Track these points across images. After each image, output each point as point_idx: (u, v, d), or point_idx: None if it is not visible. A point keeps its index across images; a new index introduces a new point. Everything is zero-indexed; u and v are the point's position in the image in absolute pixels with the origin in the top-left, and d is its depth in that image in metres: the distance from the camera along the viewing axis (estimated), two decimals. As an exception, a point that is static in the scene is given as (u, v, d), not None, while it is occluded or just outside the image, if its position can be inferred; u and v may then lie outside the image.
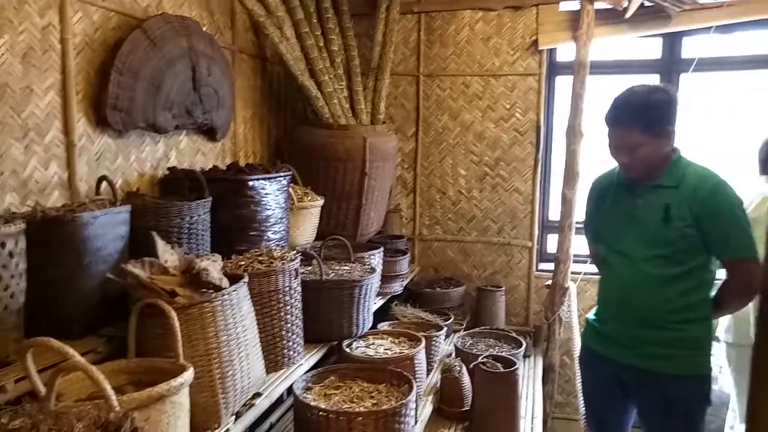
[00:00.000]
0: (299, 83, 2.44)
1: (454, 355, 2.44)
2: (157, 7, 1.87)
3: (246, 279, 1.42)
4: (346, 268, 2.03)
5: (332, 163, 2.53)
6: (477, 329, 2.71)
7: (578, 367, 2.12)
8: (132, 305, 1.25)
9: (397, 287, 2.60)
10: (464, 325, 2.87)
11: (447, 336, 2.66)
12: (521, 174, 3.01)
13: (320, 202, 2.41)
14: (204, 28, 2.08)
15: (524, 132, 2.98)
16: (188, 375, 1.12)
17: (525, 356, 2.71)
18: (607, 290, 1.80)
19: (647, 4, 2.63)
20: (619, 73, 3.06)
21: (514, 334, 2.64)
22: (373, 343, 1.99)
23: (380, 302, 2.44)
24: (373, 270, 2.00)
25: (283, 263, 1.60)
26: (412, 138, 3.13)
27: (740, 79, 2.96)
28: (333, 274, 1.94)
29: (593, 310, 1.88)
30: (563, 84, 3.03)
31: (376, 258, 2.25)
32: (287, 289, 1.59)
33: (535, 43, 2.88)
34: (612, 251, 1.75)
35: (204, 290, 1.31)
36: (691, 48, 2.90)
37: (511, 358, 2.11)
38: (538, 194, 3.01)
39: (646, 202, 1.66)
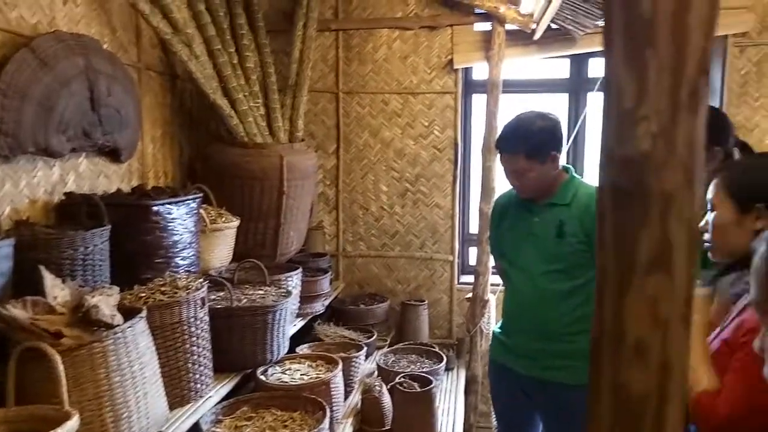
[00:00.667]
0: (211, 101, 2.37)
1: (376, 373, 2.44)
2: (49, 25, 1.76)
3: (144, 313, 1.35)
4: (260, 292, 1.98)
5: (248, 183, 2.48)
6: (400, 345, 2.73)
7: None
8: (12, 349, 1.16)
9: (319, 307, 2.57)
10: (388, 341, 2.88)
11: (370, 353, 2.66)
12: (441, 189, 3.07)
13: (236, 223, 2.35)
14: (105, 46, 1.98)
15: (443, 149, 3.04)
16: (72, 423, 1.05)
17: (448, 369, 2.75)
18: (509, 304, 1.87)
19: (553, 27, 2.76)
20: (531, 91, 3.19)
21: (436, 349, 2.67)
22: (290, 369, 1.96)
23: (300, 323, 2.40)
24: (288, 293, 1.96)
25: (187, 293, 1.54)
26: (333, 155, 3.12)
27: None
28: (246, 300, 1.89)
29: (498, 324, 1.94)
30: (479, 102, 3.12)
31: (294, 280, 2.21)
32: (192, 319, 1.53)
33: (451, 62, 2.95)
34: (513, 266, 1.82)
35: (95, 328, 1.24)
36: (597, 68, 3.07)
37: (428, 376, 2.14)
38: (457, 209, 3.08)
39: (542, 219, 1.75)
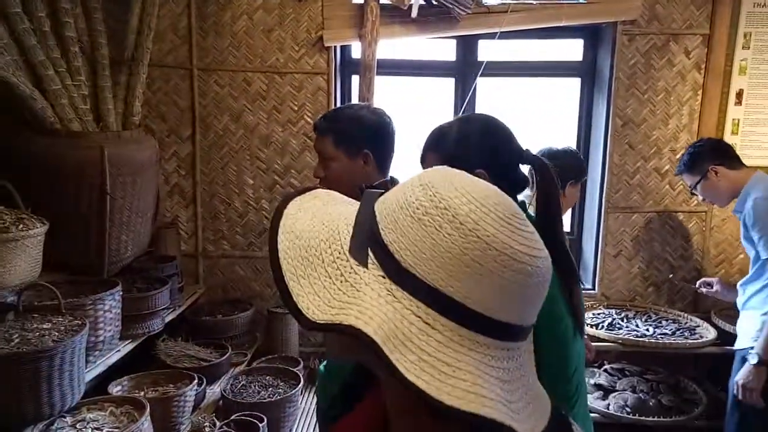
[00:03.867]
0: (1, 80, 1.90)
1: (222, 403, 2.12)
2: None
3: None
4: (45, 326, 1.59)
5: (60, 180, 2.03)
6: (256, 364, 2.41)
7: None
8: None
9: (157, 324, 2.19)
10: (248, 357, 2.55)
11: (223, 374, 2.33)
12: (314, 183, 2.73)
13: (42, 229, 1.90)
14: None
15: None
16: None
17: (313, 383, 2.48)
18: None
19: (434, 2, 2.46)
20: (415, 74, 2.90)
21: (300, 367, 2.39)
22: (84, 419, 1.59)
23: (127, 347, 2.02)
24: (81, 326, 1.58)
25: None
26: (188, 141, 2.69)
27: (531, 84, 2.96)
28: (18, 338, 1.49)
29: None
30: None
31: (107, 302, 1.82)
32: None
33: (322, 39, 2.59)
34: None
35: None
36: (485, 51, 2.82)
37: (256, 422, 1.84)
38: (332, 204, 2.76)
39: None
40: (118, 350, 1.96)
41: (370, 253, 0.53)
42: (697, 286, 2.57)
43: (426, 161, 1.31)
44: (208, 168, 2.72)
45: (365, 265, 0.52)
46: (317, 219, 0.58)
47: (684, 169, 2.35)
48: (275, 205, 2.70)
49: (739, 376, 2.10)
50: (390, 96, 2.84)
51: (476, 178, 0.56)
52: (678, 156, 2.73)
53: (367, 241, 0.53)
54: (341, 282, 0.52)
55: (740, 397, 2.10)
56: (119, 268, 2.28)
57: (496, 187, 0.55)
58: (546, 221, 1.19)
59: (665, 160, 2.74)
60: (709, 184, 2.26)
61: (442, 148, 1.27)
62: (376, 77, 2.56)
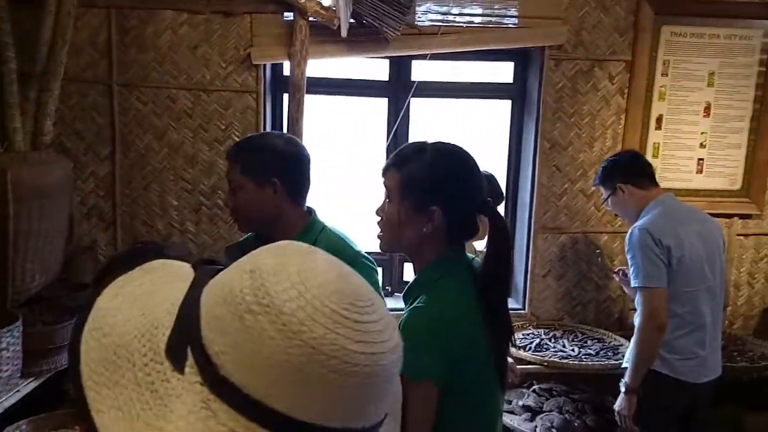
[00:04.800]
0: None
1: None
2: None
3: None
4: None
5: (-45, 205, 1.88)
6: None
7: None
8: None
9: (66, 359, 2.05)
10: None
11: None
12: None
13: (-69, 260, 1.76)
14: None
15: (243, 156, 2.61)
16: None
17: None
18: None
19: (363, 22, 2.44)
20: (347, 94, 2.88)
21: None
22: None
23: (29, 386, 1.88)
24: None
25: None
26: (107, 160, 2.55)
27: (464, 106, 2.99)
28: None
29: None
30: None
31: (4, 340, 1.69)
32: None
33: (250, 56, 2.52)
34: None
35: None
36: (419, 71, 2.82)
37: None
38: (262, 226, 2.69)
39: None
40: (18, 390, 1.82)
41: (190, 355, 0.44)
42: (615, 271, 2.56)
43: (387, 175, 1.26)
44: (128, 188, 2.59)
45: (181, 369, 0.44)
46: (137, 306, 0.49)
47: (598, 182, 2.40)
48: (201, 227, 2.62)
49: (616, 403, 2.18)
50: (322, 116, 2.80)
51: (319, 257, 0.49)
52: (603, 178, 2.81)
53: (186, 338, 0.45)
54: (151, 392, 0.43)
55: (619, 423, 2.18)
56: (25, 299, 2.12)
57: (340, 267, 0.48)
58: (491, 280, 1.18)
59: (590, 182, 2.81)
60: (617, 201, 2.31)
61: (407, 169, 1.21)
62: (306, 96, 2.52)
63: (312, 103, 2.63)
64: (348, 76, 2.83)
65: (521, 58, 2.87)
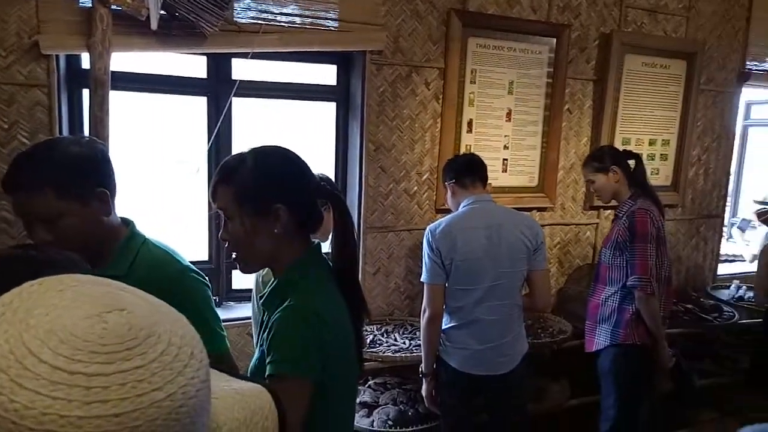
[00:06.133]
0: None
1: None
2: None
3: None
4: None
5: None
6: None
7: None
8: None
9: None
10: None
11: None
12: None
13: None
14: None
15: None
16: None
17: None
18: None
19: (176, 15, 2.25)
20: (162, 91, 2.64)
21: None
22: None
23: None
24: None
25: None
26: None
27: (290, 107, 2.94)
28: None
29: None
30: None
31: None
32: None
33: (38, 45, 2.18)
34: None
35: None
36: (240, 70, 2.70)
37: None
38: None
39: None
40: None
41: None
42: None
43: (217, 195, 1.19)
44: None
45: None
46: None
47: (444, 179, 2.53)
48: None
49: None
50: (132, 115, 2.53)
51: (78, 297, 0.41)
52: (424, 178, 2.98)
53: None
54: None
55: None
56: None
57: (86, 311, 0.39)
58: (345, 260, 1.24)
59: (413, 183, 2.97)
60: (448, 196, 2.49)
61: (236, 181, 1.16)
62: (113, 93, 2.25)
63: (120, 100, 2.37)
64: (163, 72, 2.60)
65: (344, 62, 2.91)
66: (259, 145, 1.24)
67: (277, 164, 1.21)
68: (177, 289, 1.20)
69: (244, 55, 2.49)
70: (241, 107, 2.75)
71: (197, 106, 2.69)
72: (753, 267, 3.69)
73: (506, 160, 3.21)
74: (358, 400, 2.61)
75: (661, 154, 3.67)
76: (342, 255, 1.24)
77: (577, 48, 3.27)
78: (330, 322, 1.13)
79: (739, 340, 3.73)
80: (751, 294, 3.66)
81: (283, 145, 1.25)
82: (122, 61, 2.42)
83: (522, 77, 3.15)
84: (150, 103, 2.65)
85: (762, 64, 3.87)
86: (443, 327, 2.30)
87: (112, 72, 2.25)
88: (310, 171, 1.25)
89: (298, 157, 1.24)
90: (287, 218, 1.17)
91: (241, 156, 1.20)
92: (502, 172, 3.21)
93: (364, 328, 1.34)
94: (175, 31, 2.31)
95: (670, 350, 2.57)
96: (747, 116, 4.81)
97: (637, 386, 2.51)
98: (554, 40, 3.18)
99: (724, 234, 4.23)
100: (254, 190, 1.16)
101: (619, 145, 3.42)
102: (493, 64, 3.06)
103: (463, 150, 3.05)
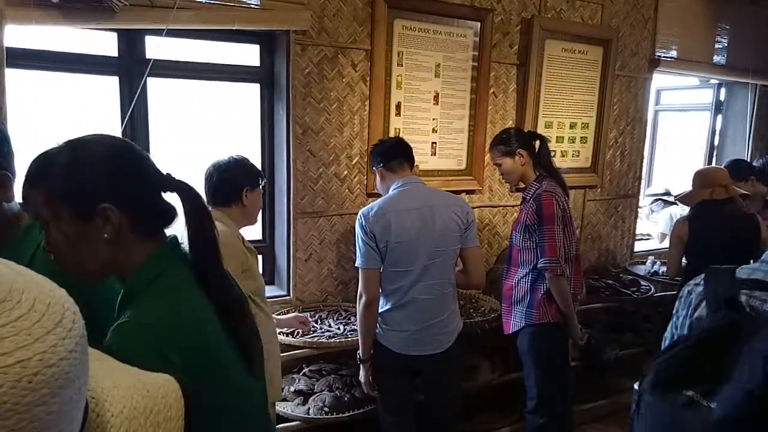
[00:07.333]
0: None
1: None
2: None
3: None
4: None
5: None
6: None
7: None
8: None
9: None
10: None
11: None
12: None
13: None
14: None
15: None
16: None
17: None
18: None
19: (81, -12, 2.09)
20: (68, 69, 2.44)
21: None
22: None
23: None
24: None
25: None
26: None
27: (212, 88, 2.81)
28: None
29: None
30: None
31: None
32: None
33: None
34: None
35: None
36: (155, 48, 2.54)
37: None
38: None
39: None
40: None
41: None
42: None
43: (30, 201, 0.99)
44: None
45: None
46: None
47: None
48: None
49: None
50: (37, 96, 2.33)
51: None
52: (354, 162, 2.94)
53: None
54: None
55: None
56: None
57: None
58: (202, 254, 1.05)
59: (343, 166, 2.92)
60: (377, 180, 2.46)
61: (48, 183, 0.97)
62: (9, 71, 2.06)
63: (15, 78, 2.17)
64: (67, 49, 2.40)
65: (267, 41, 2.81)
66: (72, 138, 1.02)
67: (99, 156, 0.99)
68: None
69: (159, 32, 2.34)
70: (158, 89, 2.59)
71: (109, 86, 2.51)
72: (665, 244, 3.93)
73: (435, 143, 3.23)
74: (292, 389, 2.54)
75: (581, 137, 3.82)
76: (198, 252, 1.06)
77: (501, 32, 3.33)
78: (187, 327, 0.97)
79: (655, 311, 3.96)
80: (664, 269, 3.89)
81: (104, 134, 1.05)
82: (21, 36, 2.22)
83: (448, 60, 3.17)
84: (57, 83, 2.45)
85: (670, 52, 4.11)
86: (380, 310, 2.28)
87: (8, 48, 2.06)
88: (149, 160, 1.06)
89: (131, 145, 1.06)
90: (119, 218, 0.98)
91: (52, 151, 0.99)
92: (431, 155, 3.23)
93: (245, 324, 1.12)
94: (79, 5, 2.14)
95: (583, 329, 2.67)
96: (657, 101, 5.11)
97: (554, 363, 2.59)
98: (478, 24, 3.22)
99: (639, 214, 4.48)
100: (70, 190, 0.97)
101: (542, 128, 3.52)
102: (420, 46, 3.06)
103: (392, 133, 3.03)
